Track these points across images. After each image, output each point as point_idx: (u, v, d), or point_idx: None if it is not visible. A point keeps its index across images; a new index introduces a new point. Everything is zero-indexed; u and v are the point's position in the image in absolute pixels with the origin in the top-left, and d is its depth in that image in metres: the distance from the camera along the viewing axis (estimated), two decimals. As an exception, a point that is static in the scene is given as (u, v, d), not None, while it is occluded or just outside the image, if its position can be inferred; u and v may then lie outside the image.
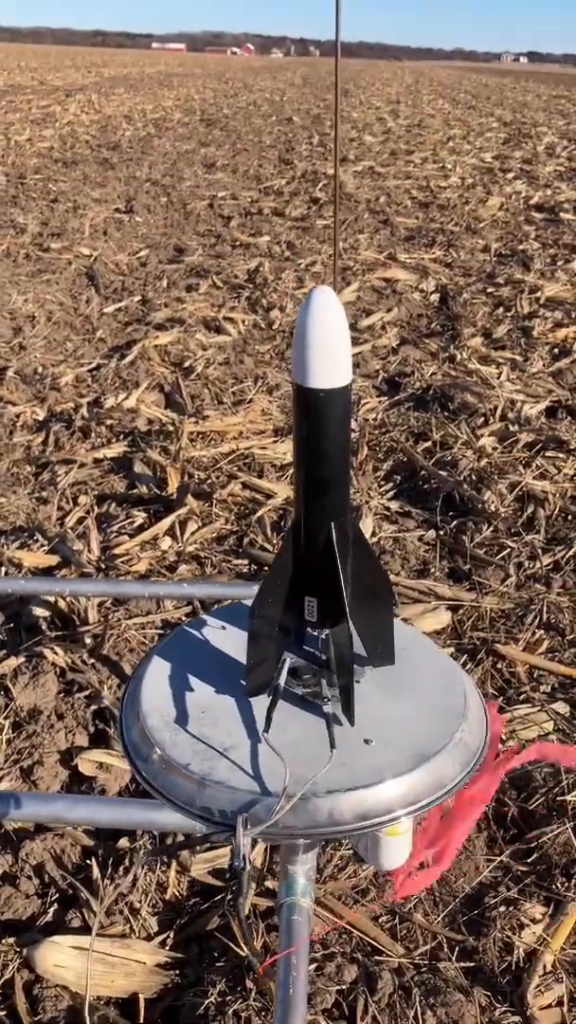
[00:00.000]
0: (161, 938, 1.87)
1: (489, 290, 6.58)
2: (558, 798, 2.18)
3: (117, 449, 3.94)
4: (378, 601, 1.22)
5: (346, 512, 1.14)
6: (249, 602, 1.37)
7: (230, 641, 1.31)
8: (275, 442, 4.02)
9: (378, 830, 1.08)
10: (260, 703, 1.17)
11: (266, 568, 3.07)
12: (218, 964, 1.79)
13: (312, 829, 1.04)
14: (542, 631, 2.82)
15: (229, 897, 1.90)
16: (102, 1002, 1.74)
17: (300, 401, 1.07)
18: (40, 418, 4.30)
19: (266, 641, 1.16)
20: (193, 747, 1.11)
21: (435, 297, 6.48)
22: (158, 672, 1.25)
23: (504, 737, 2.37)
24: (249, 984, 1.72)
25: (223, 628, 1.34)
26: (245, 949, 1.76)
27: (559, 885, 1.98)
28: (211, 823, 1.06)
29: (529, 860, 2.05)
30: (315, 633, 1.21)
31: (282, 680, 1.15)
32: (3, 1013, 1.72)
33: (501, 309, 6.13)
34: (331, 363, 1.04)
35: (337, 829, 1.05)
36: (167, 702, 1.19)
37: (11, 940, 1.84)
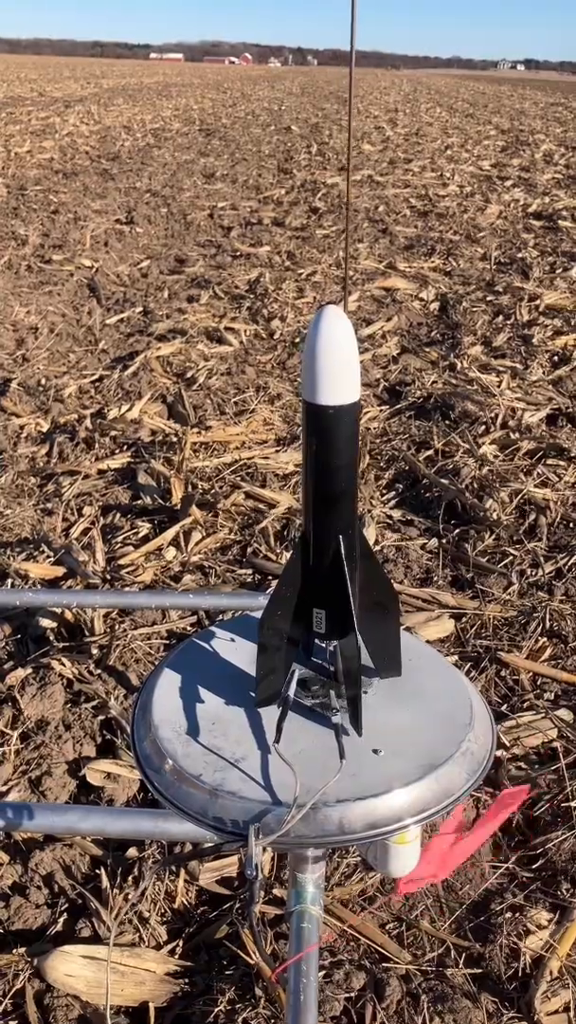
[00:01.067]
0: (170, 947, 1.88)
1: (489, 298, 6.61)
2: (563, 804, 2.20)
3: (121, 460, 3.97)
4: (385, 613, 1.24)
5: (354, 525, 1.16)
6: (254, 613, 1.40)
7: (239, 653, 1.33)
8: (277, 451, 4.05)
9: (387, 838, 1.10)
10: (270, 714, 1.19)
11: (270, 577, 3.10)
12: (227, 972, 1.81)
13: (323, 838, 1.06)
14: (545, 639, 2.84)
15: (239, 905, 1.92)
16: (112, 1011, 1.76)
17: (310, 417, 1.09)
18: (44, 430, 4.32)
19: (275, 653, 1.18)
20: (205, 758, 1.13)
21: (435, 306, 6.51)
22: (169, 684, 1.27)
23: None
24: (258, 992, 1.74)
25: (232, 640, 1.36)
26: (256, 956, 1.78)
27: (564, 891, 1.99)
28: (223, 833, 1.08)
29: (535, 866, 2.07)
30: (323, 645, 1.23)
31: (291, 691, 1.17)
32: (15, 1023, 1.73)
33: (501, 317, 6.16)
34: (340, 381, 1.06)
35: (347, 838, 1.07)
36: (178, 714, 1.21)
37: (22, 950, 1.85)
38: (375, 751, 1.14)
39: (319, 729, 1.18)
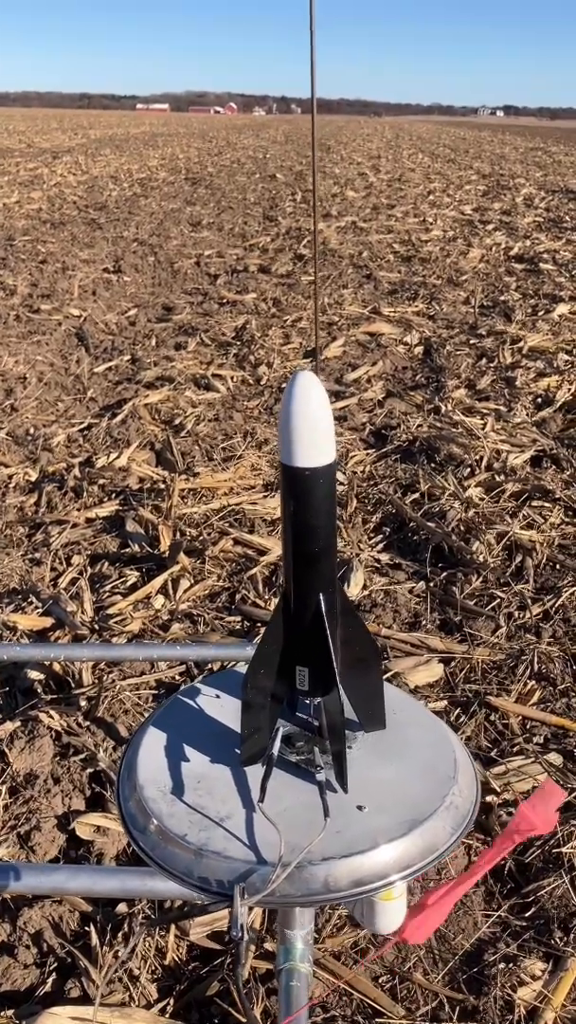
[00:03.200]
0: (161, 1005, 1.86)
1: (472, 341, 6.71)
2: (554, 850, 2.20)
3: (109, 508, 3.99)
4: (368, 668, 1.25)
5: (334, 583, 1.18)
6: (241, 665, 1.40)
7: (224, 709, 1.34)
8: (265, 496, 4.07)
9: (373, 895, 1.10)
10: (255, 771, 1.20)
11: (258, 624, 3.10)
12: (219, 1031, 1.79)
13: (308, 896, 1.07)
14: (533, 681, 2.85)
15: (229, 961, 1.90)
16: (103, 1073, 1.73)
17: (287, 479, 1.12)
18: (32, 479, 4.35)
19: (260, 711, 1.19)
20: (189, 817, 1.14)
21: (419, 350, 6.60)
22: (154, 742, 1.27)
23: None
24: (250, 1051, 1.72)
25: (217, 696, 1.37)
26: (245, 1019, 1.76)
27: (558, 940, 1.98)
28: (209, 893, 1.08)
29: (527, 915, 2.06)
30: (307, 701, 1.24)
31: (275, 749, 1.18)
32: None
33: (484, 360, 6.24)
34: (315, 443, 1.09)
35: (333, 896, 1.07)
36: (163, 772, 1.21)
37: (10, 1012, 1.83)
38: (359, 807, 1.15)
39: (304, 785, 1.19)
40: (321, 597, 1.15)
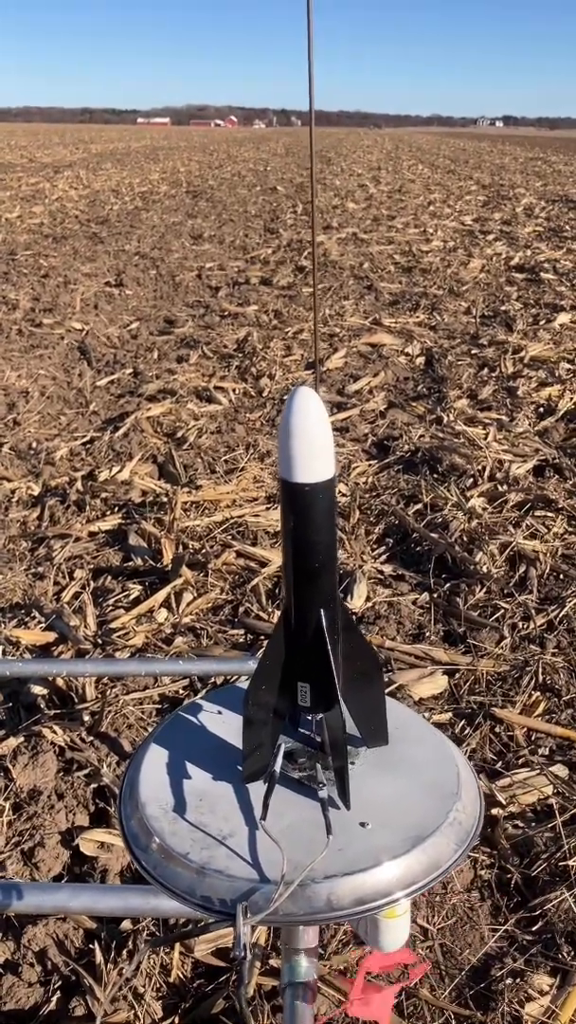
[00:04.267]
0: (166, 1023, 1.85)
1: (473, 352, 6.71)
2: (560, 863, 2.18)
3: (112, 521, 3.98)
4: (370, 683, 1.25)
5: (335, 598, 1.18)
6: (243, 680, 1.40)
7: (226, 726, 1.33)
8: (267, 509, 4.07)
9: (377, 913, 1.09)
10: (257, 788, 1.20)
11: (261, 637, 3.10)
12: (224, 1049, 1.78)
13: (311, 915, 1.06)
14: (538, 693, 2.84)
15: (233, 979, 1.89)
16: None
17: (287, 495, 1.12)
18: (35, 493, 4.35)
19: (261, 727, 1.19)
20: (192, 835, 1.13)
21: (420, 360, 6.61)
22: (155, 760, 1.27)
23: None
24: (256, 1070, 1.70)
25: (219, 713, 1.37)
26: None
27: (565, 954, 1.97)
28: (211, 912, 1.07)
29: (534, 928, 2.04)
30: (309, 717, 1.23)
31: (278, 766, 1.18)
32: None
33: (486, 370, 6.25)
34: (314, 459, 1.09)
35: (336, 914, 1.06)
36: (165, 790, 1.21)
37: (14, 1031, 1.82)
38: (362, 824, 1.14)
39: (306, 802, 1.18)
40: (322, 612, 1.15)
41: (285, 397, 5.68)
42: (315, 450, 1.08)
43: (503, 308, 8.11)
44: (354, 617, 3.23)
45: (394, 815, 1.16)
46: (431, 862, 1.11)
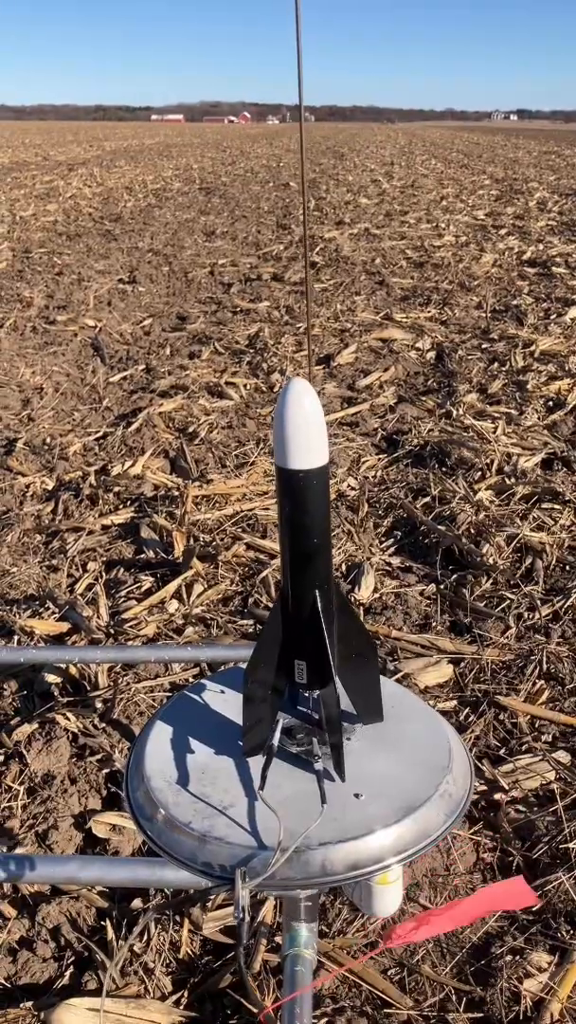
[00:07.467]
0: (175, 997, 1.91)
1: (484, 346, 6.74)
2: (561, 846, 2.23)
3: (124, 515, 4.05)
4: (364, 662, 1.30)
5: (330, 580, 1.23)
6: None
7: (228, 704, 1.39)
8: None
9: (369, 879, 1.15)
10: (257, 762, 1.25)
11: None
12: (231, 1022, 1.84)
13: (307, 880, 1.11)
14: (543, 681, 2.88)
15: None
16: (118, 1063, 1.78)
17: (282, 481, 1.17)
18: (49, 487, 4.42)
19: (260, 704, 1.24)
20: (194, 806, 1.19)
21: (431, 355, 6.64)
22: (161, 736, 1.33)
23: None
24: (261, 1040, 1.76)
25: (222, 692, 1.43)
26: (249, 985, 1.80)
27: (564, 933, 2.02)
28: (212, 877, 1.13)
29: (534, 909, 2.09)
30: (306, 694, 1.29)
31: (276, 740, 1.23)
32: (22, 1076, 1.76)
33: (496, 364, 6.27)
34: (308, 446, 1.14)
35: (331, 879, 1.12)
36: (169, 764, 1.26)
37: (28, 1004, 1.88)
38: (356, 795, 1.20)
39: (304, 775, 1.23)
40: (317, 593, 1.20)
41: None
42: (309, 438, 1.14)
43: (514, 303, 8.13)
44: (361, 608, 3.28)
45: (387, 787, 1.21)
46: (421, 831, 1.16)
